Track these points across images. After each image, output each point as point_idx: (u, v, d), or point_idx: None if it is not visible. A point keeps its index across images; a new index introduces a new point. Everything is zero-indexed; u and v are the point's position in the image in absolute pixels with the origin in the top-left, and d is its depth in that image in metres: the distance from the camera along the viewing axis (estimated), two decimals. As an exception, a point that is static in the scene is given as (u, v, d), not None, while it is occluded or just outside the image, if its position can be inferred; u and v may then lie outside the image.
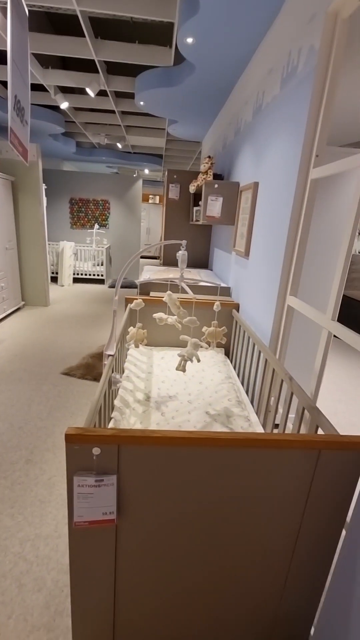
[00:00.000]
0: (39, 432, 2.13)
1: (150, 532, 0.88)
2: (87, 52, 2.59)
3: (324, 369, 1.20)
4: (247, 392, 1.80)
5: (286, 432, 1.31)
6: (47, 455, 1.93)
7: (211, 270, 3.30)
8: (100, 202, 6.95)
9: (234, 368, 2.09)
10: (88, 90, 3.09)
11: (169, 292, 1.35)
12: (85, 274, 6.74)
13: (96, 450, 0.78)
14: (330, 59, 1.21)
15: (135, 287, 6.64)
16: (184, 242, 1.27)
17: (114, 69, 3.17)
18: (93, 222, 7.02)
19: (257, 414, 1.61)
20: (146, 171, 8.25)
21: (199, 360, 1.18)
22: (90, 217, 7.01)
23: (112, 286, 6.50)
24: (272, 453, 0.82)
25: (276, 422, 1.53)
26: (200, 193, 3.10)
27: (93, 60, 2.94)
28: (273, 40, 1.73)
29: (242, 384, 1.89)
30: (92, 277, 6.75)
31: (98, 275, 6.77)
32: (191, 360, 1.17)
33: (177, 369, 1.21)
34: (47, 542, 1.43)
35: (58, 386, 2.71)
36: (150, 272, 2.96)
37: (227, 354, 2.29)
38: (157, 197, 11.27)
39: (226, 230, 2.80)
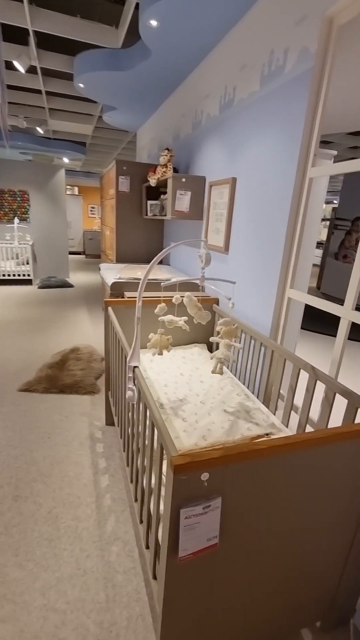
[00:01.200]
0: (16, 462, 1.85)
1: (248, 544, 0.86)
2: (22, 19, 2.24)
3: (342, 357, 1.30)
4: (246, 384, 1.85)
5: (314, 419, 1.39)
6: (36, 486, 1.70)
7: (169, 265, 3.26)
8: (18, 193, 6.22)
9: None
10: (17, 64, 2.69)
11: (188, 293, 1.29)
12: (8, 275, 6.00)
13: (205, 476, 0.71)
14: (326, 62, 1.28)
15: (68, 286, 6.18)
16: (203, 241, 1.23)
17: (45, 43, 2.82)
18: (11, 215, 6.26)
19: (265, 405, 1.67)
20: (65, 159, 7.64)
21: (235, 361, 1.17)
22: (7, 210, 6.22)
23: (44, 286, 5.94)
24: (343, 444, 0.86)
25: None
26: (155, 187, 3.01)
27: (24, 30, 2.56)
28: (245, 35, 1.75)
29: (236, 376, 1.94)
30: (16, 277, 6.05)
31: (23, 275, 6.09)
32: (228, 362, 1.15)
33: (213, 372, 1.18)
34: (74, 583, 1.27)
35: (21, 405, 2.38)
36: (113, 271, 2.79)
37: (208, 349, 2.30)
38: (76, 189, 10.56)
39: (186, 225, 2.79)
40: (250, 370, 1.79)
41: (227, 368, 2.02)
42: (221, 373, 1.17)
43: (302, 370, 1.72)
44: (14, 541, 1.42)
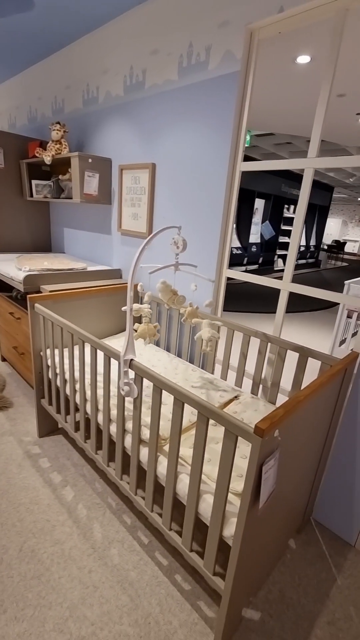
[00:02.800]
0: None
1: (283, 481, 1.03)
2: None
3: (282, 324, 1.61)
4: (185, 359, 1.99)
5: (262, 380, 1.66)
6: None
7: (64, 253, 2.97)
8: None
9: (158, 344, 2.18)
10: None
11: (163, 280, 1.30)
12: None
13: (276, 432, 0.83)
14: (250, 68, 1.47)
15: None
16: (179, 227, 1.26)
17: None
18: None
19: (210, 373, 1.86)
20: None
21: (219, 338, 1.29)
22: None
23: None
24: (328, 385, 1.15)
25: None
26: (36, 165, 2.64)
27: None
28: (157, 19, 1.75)
29: (177, 354, 2.06)
30: None
31: None
32: (216, 341, 1.26)
33: (202, 350, 1.26)
34: (90, 603, 1.18)
35: None
36: (5, 263, 2.35)
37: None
38: None
39: (85, 209, 2.62)
40: (190, 344, 1.95)
41: (158, 345, 2.11)
42: (210, 351, 1.27)
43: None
44: (-8, 598, 1.17)
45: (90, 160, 2.11)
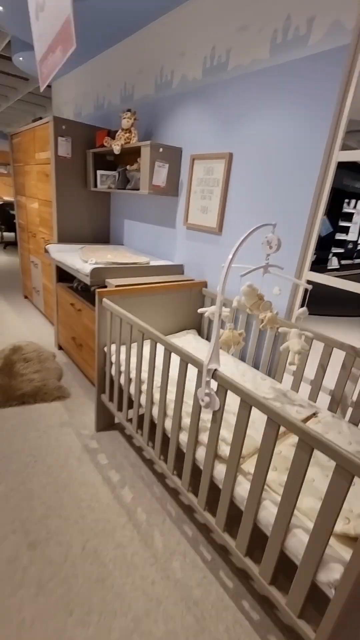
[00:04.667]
0: (9, 501, 1.48)
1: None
2: None
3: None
4: (251, 364, 1.87)
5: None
6: (51, 523, 1.40)
7: (123, 245, 2.94)
8: None
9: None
10: None
11: (250, 283, 1.19)
12: None
13: None
14: (361, 44, 1.28)
15: None
16: (274, 224, 1.13)
17: None
18: None
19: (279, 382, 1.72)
20: None
21: (308, 351, 1.15)
22: None
23: None
24: None
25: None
26: (102, 154, 2.61)
27: None
28: (244, -6, 1.60)
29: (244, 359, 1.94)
30: None
31: None
32: (306, 354, 1.12)
33: (290, 363, 1.14)
34: (155, 618, 1.13)
35: (-23, 429, 1.89)
36: (71, 254, 2.36)
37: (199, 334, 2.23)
38: None
39: (148, 201, 2.55)
40: (263, 352, 1.82)
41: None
42: (298, 365, 1.14)
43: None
44: (58, 597, 1.16)
45: (161, 150, 2.02)
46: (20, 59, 3.05)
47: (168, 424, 1.37)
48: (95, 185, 2.66)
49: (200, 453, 1.22)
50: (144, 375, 1.54)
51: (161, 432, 1.40)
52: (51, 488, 1.57)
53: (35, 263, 3.45)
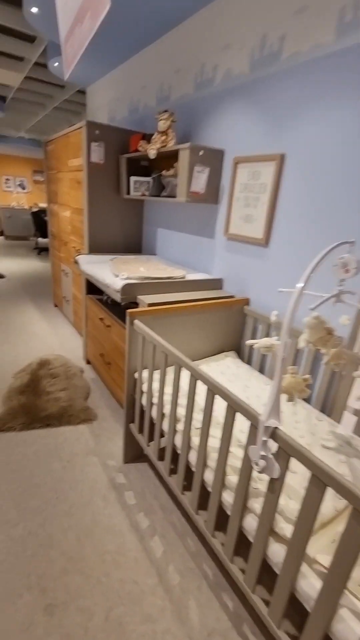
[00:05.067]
0: (26, 548, 1.32)
1: None
2: None
3: None
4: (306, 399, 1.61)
5: None
6: (71, 581, 1.22)
7: (155, 255, 2.78)
8: None
9: (259, 370, 1.84)
10: None
11: (317, 315, 0.95)
12: None
13: None
14: None
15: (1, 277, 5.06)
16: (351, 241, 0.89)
17: None
18: None
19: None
20: (-27, 117, 6.14)
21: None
22: None
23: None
24: None
25: None
26: (136, 159, 2.46)
27: None
28: (306, -32, 1.36)
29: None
30: None
31: None
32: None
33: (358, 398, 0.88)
34: None
35: (-1, 455, 1.77)
36: (100, 265, 2.21)
37: (238, 356, 1.99)
38: (-16, 154, 8.76)
39: (183, 209, 2.36)
40: (317, 384, 1.56)
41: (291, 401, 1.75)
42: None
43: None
44: None
45: (201, 153, 1.82)
46: (56, 64, 2.99)
47: (208, 476, 1.15)
48: (128, 193, 2.51)
49: (250, 522, 0.99)
50: (180, 411, 1.34)
51: (199, 484, 1.19)
52: (73, 534, 1.39)
53: (65, 272, 3.37)
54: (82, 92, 4.49)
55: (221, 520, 1.17)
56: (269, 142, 1.64)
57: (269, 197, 1.65)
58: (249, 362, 1.94)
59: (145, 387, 1.54)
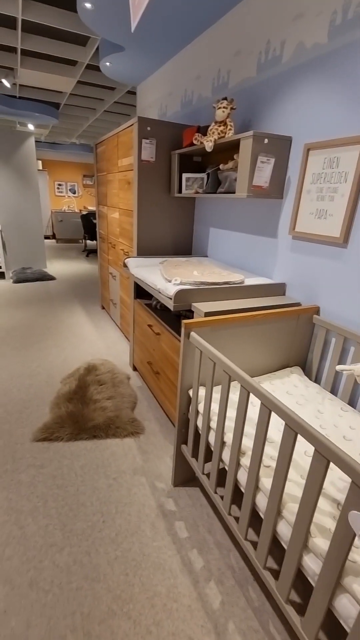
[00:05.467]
0: (71, 579, 1.21)
1: None
2: None
3: None
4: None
5: None
6: (118, 626, 1.08)
7: (207, 257, 2.60)
8: (-24, 165, 5.08)
9: (330, 391, 1.58)
10: None
11: None
12: (-26, 268, 4.97)
13: None
14: None
15: (49, 278, 5.24)
16: None
17: None
18: (-30, 194, 5.13)
19: None
20: (30, 126, 6.44)
21: None
22: (-36, 187, 5.08)
23: (20, 280, 4.99)
24: None
25: None
26: (188, 155, 2.30)
27: None
28: None
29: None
30: (-16, 270, 5.03)
31: (-6, 267, 5.09)
32: None
33: None
34: None
35: (44, 467, 1.70)
36: (150, 268, 2.08)
37: (304, 371, 1.74)
38: (39, 162, 9.23)
39: (240, 205, 2.15)
40: None
41: (332, 392, 1.48)
42: None
43: None
44: None
45: (266, 141, 1.60)
46: (107, 64, 2.93)
47: (282, 529, 0.94)
48: (180, 191, 2.36)
49: (344, 603, 0.77)
50: (247, 441, 1.14)
51: (269, 537, 0.98)
52: (120, 567, 1.26)
53: (113, 275, 3.32)
54: (131, 93, 4.45)
55: (298, 584, 0.96)
56: (353, 123, 1.38)
57: (352, 188, 1.39)
58: (316, 381, 1.68)
59: (201, 408, 1.36)
